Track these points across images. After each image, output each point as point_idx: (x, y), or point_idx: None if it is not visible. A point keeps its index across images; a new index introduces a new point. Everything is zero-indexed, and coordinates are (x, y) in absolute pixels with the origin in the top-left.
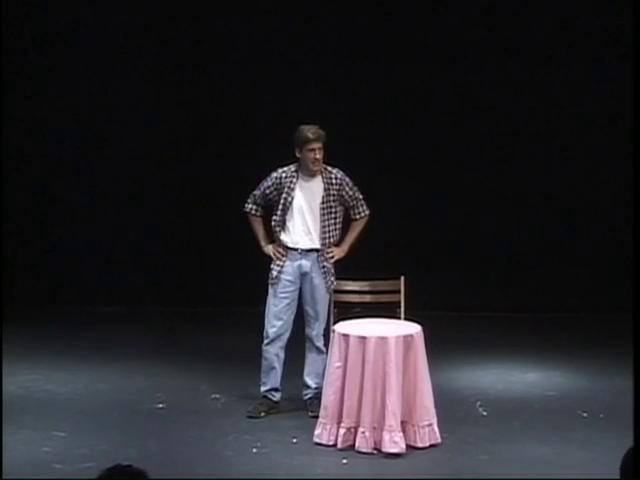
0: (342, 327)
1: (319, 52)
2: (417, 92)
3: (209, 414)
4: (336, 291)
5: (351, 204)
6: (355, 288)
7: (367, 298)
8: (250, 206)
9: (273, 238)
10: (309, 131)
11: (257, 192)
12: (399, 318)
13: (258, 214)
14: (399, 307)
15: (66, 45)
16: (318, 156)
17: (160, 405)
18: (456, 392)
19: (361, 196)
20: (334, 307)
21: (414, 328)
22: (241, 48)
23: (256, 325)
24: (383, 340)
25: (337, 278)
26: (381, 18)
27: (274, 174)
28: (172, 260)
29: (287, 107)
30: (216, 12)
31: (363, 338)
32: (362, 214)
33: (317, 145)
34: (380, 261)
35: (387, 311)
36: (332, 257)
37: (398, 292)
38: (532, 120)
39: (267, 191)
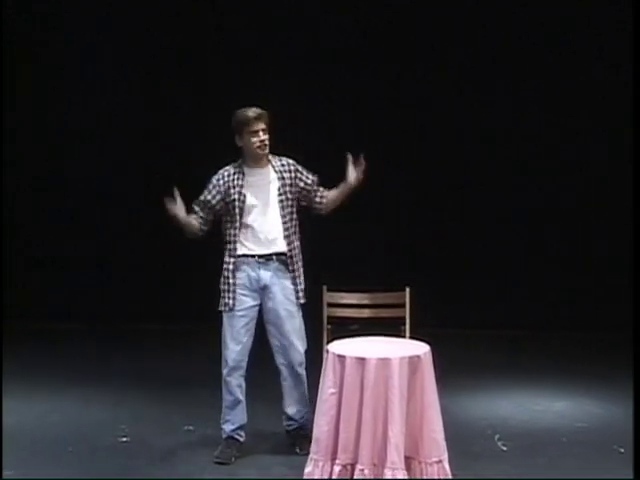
0: (337, 347)
1: (317, 51)
2: (424, 99)
3: (181, 449)
4: (330, 305)
5: (313, 189)
6: (352, 301)
7: (366, 313)
8: (193, 216)
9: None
10: (249, 110)
11: (198, 203)
12: (404, 336)
13: (195, 217)
14: (404, 323)
15: (65, 45)
16: (263, 137)
17: (124, 439)
18: (471, 423)
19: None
20: (327, 323)
21: (421, 348)
22: (239, 49)
23: None
24: (385, 362)
25: (331, 289)
26: (380, 16)
27: (214, 177)
28: (138, 272)
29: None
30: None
31: (362, 360)
32: (327, 192)
33: (260, 126)
34: (382, 270)
35: (390, 328)
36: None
37: (403, 306)
38: (541, 130)
39: (211, 199)
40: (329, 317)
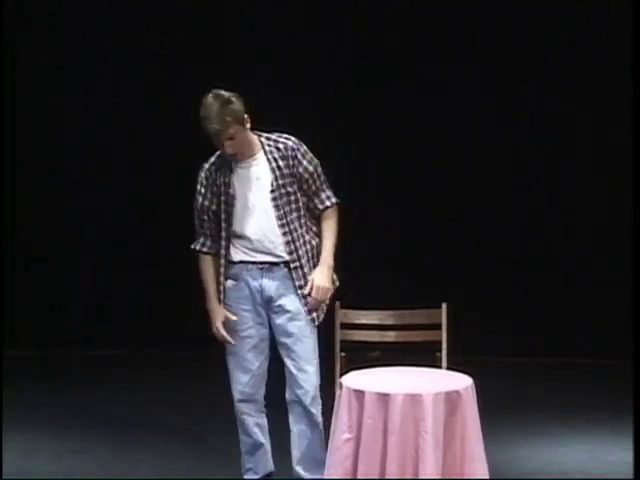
0: (354, 380)
1: (317, 50)
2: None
3: None
4: (345, 326)
5: (312, 187)
6: (373, 321)
7: (391, 336)
8: (199, 240)
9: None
10: (208, 121)
11: (198, 215)
12: (439, 366)
13: (205, 249)
14: (439, 350)
15: (65, 45)
16: (230, 149)
17: None
18: (525, 478)
19: (324, 176)
20: (341, 350)
21: (461, 381)
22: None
23: (221, 376)
24: (415, 399)
25: (345, 306)
26: (381, 18)
27: (202, 174)
28: (102, 287)
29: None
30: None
31: (385, 396)
32: (330, 201)
33: (224, 136)
34: (410, 282)
35: (421, 355)
36: (309, 293)
37: (438, 327)
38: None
39: (209, 205)
40: (343, 342)
